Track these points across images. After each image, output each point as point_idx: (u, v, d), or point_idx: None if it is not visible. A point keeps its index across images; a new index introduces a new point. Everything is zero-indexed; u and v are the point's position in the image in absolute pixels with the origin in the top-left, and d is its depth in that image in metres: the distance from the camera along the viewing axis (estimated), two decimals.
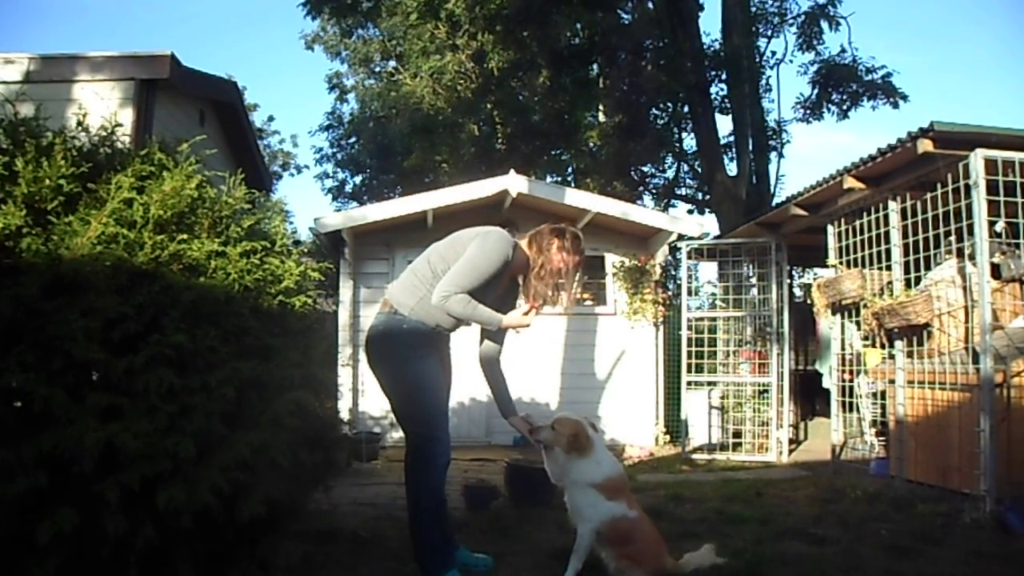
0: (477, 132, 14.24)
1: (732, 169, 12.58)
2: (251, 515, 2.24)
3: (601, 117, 15.08)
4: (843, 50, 12.60)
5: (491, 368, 3.17)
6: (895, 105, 12.11)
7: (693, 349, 7.27)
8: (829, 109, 12.97)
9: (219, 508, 2.16)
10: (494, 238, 2.89)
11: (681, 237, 7.41)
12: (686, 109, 13.34)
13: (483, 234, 2.92)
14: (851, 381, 6.07)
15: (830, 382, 6.31)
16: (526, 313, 2.97)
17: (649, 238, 7.81)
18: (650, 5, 13.07)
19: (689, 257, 7.54)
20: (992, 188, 4.17)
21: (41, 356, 2.03)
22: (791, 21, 13.11)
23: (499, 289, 3.01)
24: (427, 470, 2.82)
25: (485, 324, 2.93)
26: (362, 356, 7.98)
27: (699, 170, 15.03)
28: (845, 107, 12.70)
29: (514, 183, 7.04)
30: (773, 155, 13.36)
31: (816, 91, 12.88)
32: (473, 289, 2.83)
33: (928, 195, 4.63)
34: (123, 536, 2.01)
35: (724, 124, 14.30)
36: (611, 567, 2.80)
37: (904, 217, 4.96)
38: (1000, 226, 4.45)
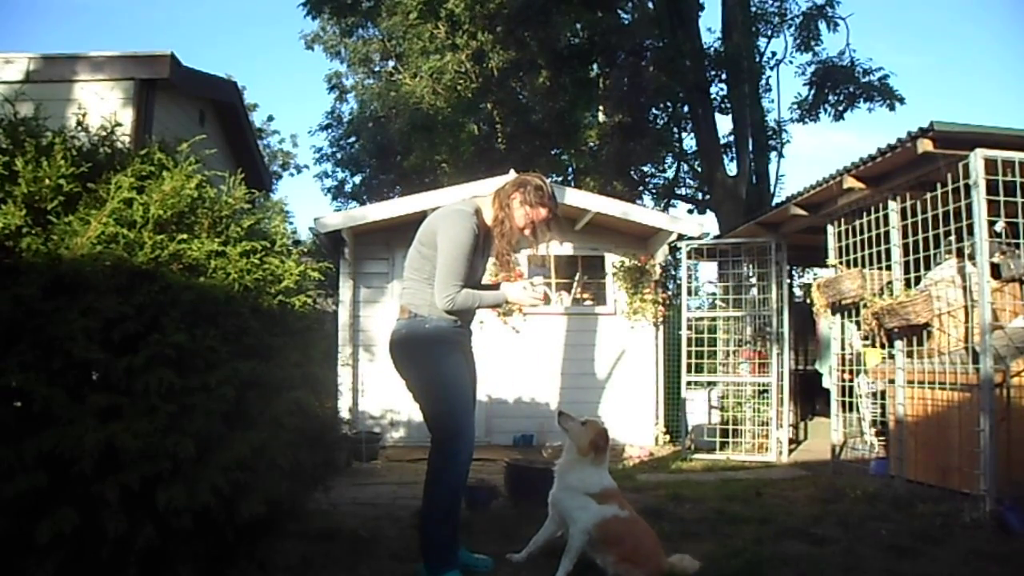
0: (477, 132, 14.24)
1: (732, 169, 12.60)
2: (251, 515, 2.24)
3: (601, 117, 15.08)
4: (841, 52, 12.64)
5: None
6: (891, 107, 12.11)
7: (693, 349, 7.27)
8: (825, 110, 12.97)
9: (219, 508, 2.16)
10: (453, 220, 2.86)
11: (681, 237, 7.41)
12: (686, 109, 13.35)
13: (443, 220, 2.89)
14: (851, 381, 6.06)
15: (830, 382, 6.31)
16: (543, 297, 2.98)
17: (649, 238, 7.81)
18: (650, 5, 13.07)
19: (689, 257, 7.53)
20: (992, 188, 4.17)
21: (41, 356, 2.03)
22: (790, 22, 13.13)
23: (489, 254, 3.05)
24: (448, 468, 2.83)
25: (494, 305, 2.97)
26: (362, 356, 8.02)
27: (699, 170, 15.04)
28: (841, 108, 12.70)
29: None
30: (773, 155, 13.38)
31: (812, 92, 12.88)
32: (466, 274, 2.84)
33: (928, 195, 4.62)
34: (123, 536, 2.01)
35: (724, 124, 14.31)
36: (609, 572, 2.80)
37: (904, 217, 4.96)
38: (1000, 226, 4.44)
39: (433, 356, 2.88)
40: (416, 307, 2.91)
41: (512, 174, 7.12)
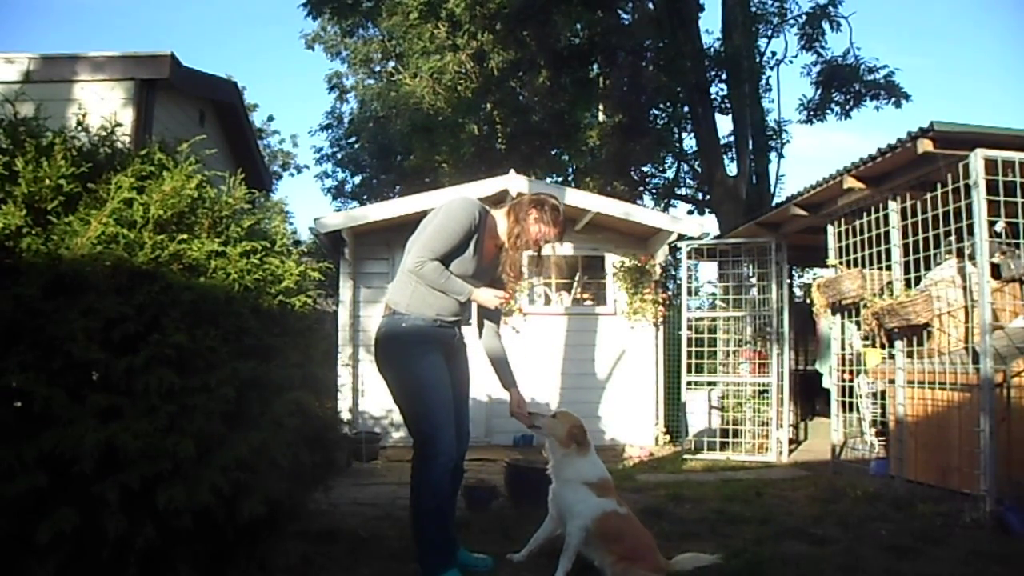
0: (477, 132, 14.23)
1: (732, 169, 12.59)
2: (251, 515, 2.23)
3: (601, 117, 15.07)
4: (846, 52, 12.66)
5: (490, 340, 3.22)
6: (898, 104, 12.15)
7: (693, 349, 7.27)
8: (832, 110, 12.99)
9: (219, 508, 2.16)
10: (458, 202, 2.93)
11: (681, 237, 7.41)
12: (686, 109, 13.34)
13: (447, 202, 2.95)
14: (851, 381, 6.07)
15: (830, 382, 6.31)
16: (505, 299, 3.00)
17: (649, 238, 7.81)
18: (650, 5, 13.07)
19: (689, 257, 7.54)
20: (992, 188, 4.17)
21: (41, 356, 2.03)
22: (792, 21, 13.13)
23: (486, 260, 3.02)
24: (427, 468, 2.81)
25: (456, 294, 2.89)
26: (362, 356, 8.03)
27: (699, 170, 15.03)
28: (848, 107, 12.72)
29: (514, 183, 7.03)
30: (773, 155, 13.39)
31: (819, 92, 12.89)
32: (447, 254, 2.84)
33: (928, 195, 4.62)
34: (123, 536, 2.01)
35: (724, 124, 14.33)
36: (608, 573, 2.78)
37: (904, 217, 4.96)
38: (1000, 226, 4.45)
39: (409, 355, 2.86)
40: (395, 303, 2.91)
41: (512, 174, 7.14)
